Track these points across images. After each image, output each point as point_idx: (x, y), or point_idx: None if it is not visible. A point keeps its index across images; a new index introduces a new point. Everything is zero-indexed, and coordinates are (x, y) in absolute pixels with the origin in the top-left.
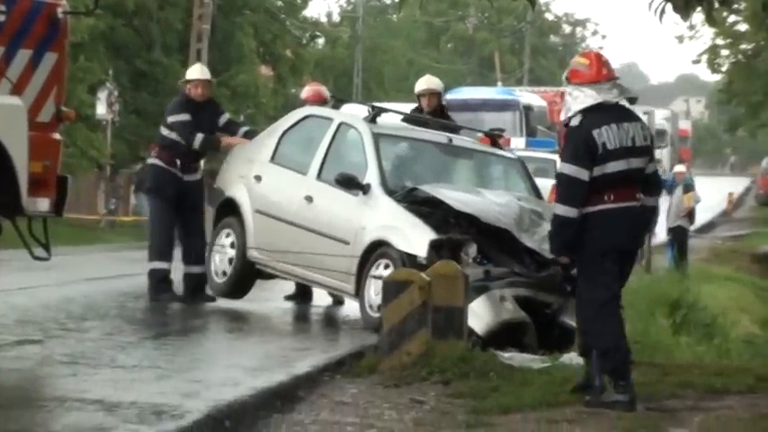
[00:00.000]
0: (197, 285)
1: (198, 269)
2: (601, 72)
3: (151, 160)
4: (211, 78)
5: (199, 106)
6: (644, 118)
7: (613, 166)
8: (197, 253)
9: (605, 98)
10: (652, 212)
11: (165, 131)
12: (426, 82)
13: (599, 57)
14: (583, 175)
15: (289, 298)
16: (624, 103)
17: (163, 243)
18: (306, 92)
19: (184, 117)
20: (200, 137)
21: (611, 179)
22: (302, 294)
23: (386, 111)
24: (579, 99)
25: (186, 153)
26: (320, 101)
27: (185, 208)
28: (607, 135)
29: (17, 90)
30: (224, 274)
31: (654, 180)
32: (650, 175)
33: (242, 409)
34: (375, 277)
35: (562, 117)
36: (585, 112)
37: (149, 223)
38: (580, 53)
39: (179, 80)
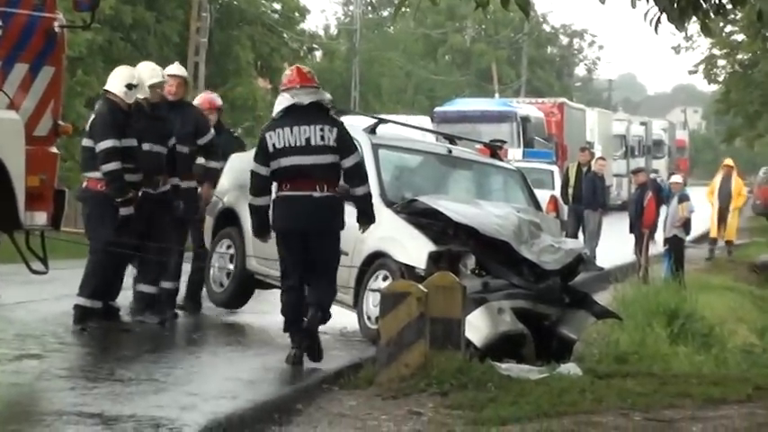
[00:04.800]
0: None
1: (168, 285)
2: (297, 80)
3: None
4: (185, 75)
5: (169, 108)
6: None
7: (286, 162)
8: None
9: (299, 100)
10: (364, 200)
11: None
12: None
13: (300, 69)
14: (261, 170)
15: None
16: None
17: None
18: (197, 99)
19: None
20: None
21: (286, 172)
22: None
23: (387, 122)
24: (281, 102)
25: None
26: (212, 108)
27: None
28: (278, 137)
29: (14, 104)
30: (222, 284)
31: (352, 173)
32: (348, 169)
33: (240, 421)
34: (373, 289)
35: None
36: (277, 116)
37: None
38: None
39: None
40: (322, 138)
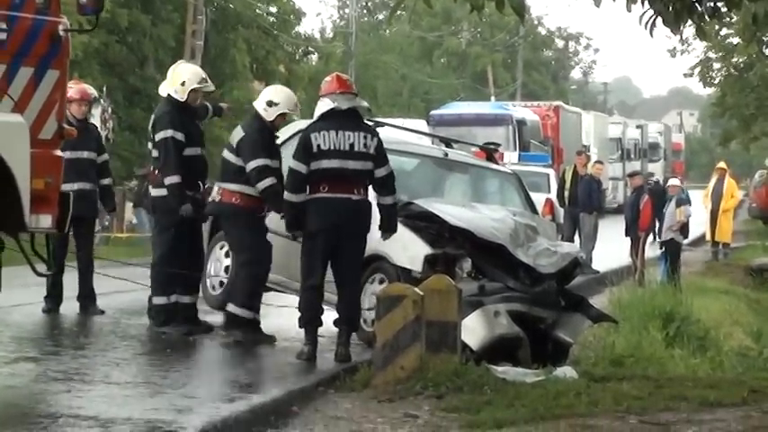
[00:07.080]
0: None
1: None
2: (336, 86)
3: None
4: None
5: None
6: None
7: (327, 164)
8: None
9: (339, 105)
10: (391, 209)
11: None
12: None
13: (339, 76)
14: (301, 168)
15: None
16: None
17: None
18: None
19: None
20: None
21: (326, 174)
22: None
23: (383, 125)
24: (321, 107)
25: None
26: (84, 100)
27: None
28: (323, 138)
29: (19, 108)
30: (219, 286)
31: (383, 182)
32: (380, 178)
33: (236, 424)
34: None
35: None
36: (319, 119)
37: None
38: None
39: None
40: (365, 145)
